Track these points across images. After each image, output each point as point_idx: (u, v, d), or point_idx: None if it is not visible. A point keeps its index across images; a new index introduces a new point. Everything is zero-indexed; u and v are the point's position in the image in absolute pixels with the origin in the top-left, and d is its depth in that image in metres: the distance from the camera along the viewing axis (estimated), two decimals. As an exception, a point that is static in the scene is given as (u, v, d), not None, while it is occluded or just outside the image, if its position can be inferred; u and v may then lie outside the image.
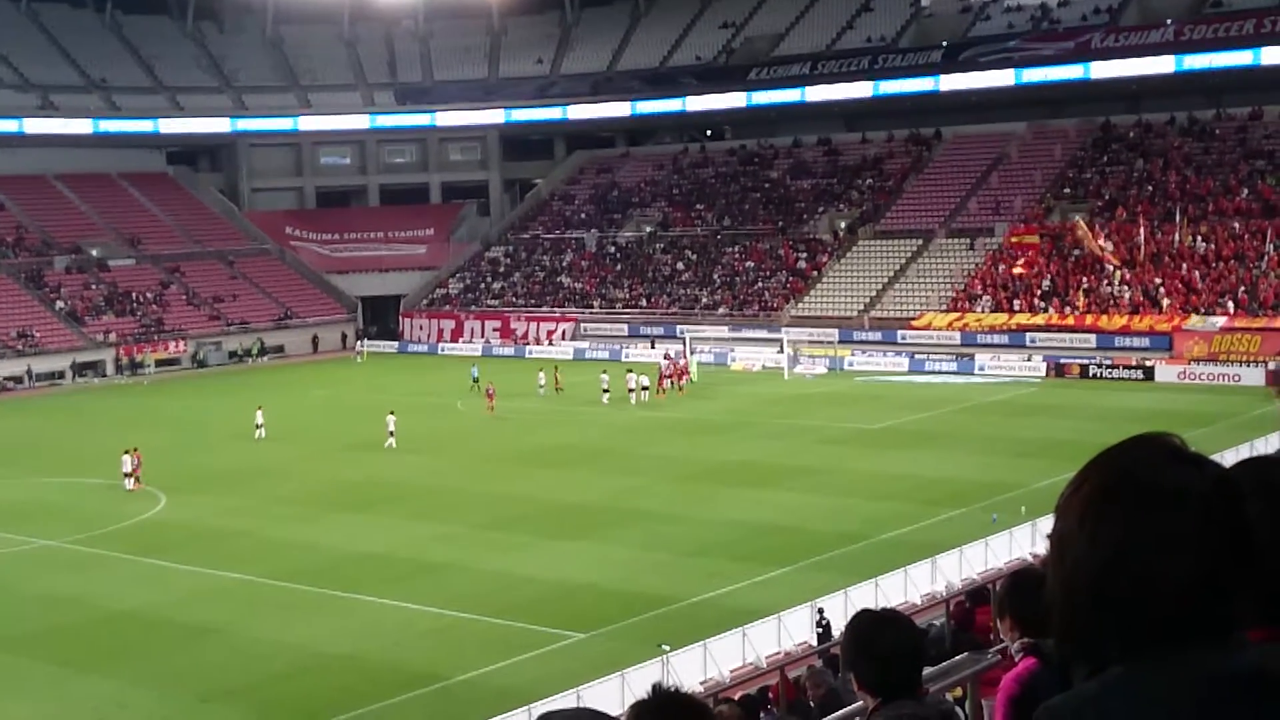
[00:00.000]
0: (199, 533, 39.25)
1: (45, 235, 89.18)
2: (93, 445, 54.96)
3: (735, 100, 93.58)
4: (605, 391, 61.57)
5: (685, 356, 69.19)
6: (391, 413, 52.99)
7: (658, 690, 3.06)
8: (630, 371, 63.08)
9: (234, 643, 29.46)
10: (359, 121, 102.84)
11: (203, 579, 34.36)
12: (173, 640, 29.67)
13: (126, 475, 45.12)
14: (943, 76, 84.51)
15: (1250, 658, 1.81)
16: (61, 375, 78.12)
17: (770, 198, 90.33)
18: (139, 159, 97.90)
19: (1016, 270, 72.13)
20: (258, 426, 55.42)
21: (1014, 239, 73.98)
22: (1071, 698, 1.86)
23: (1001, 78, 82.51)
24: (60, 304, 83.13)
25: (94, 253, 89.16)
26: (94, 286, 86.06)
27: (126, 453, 45.59)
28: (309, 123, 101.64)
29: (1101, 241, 70.31)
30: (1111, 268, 69.59)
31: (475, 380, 63.44)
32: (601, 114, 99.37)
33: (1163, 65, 77.21)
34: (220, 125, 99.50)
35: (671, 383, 63.20)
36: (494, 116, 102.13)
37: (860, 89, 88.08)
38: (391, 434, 51.84)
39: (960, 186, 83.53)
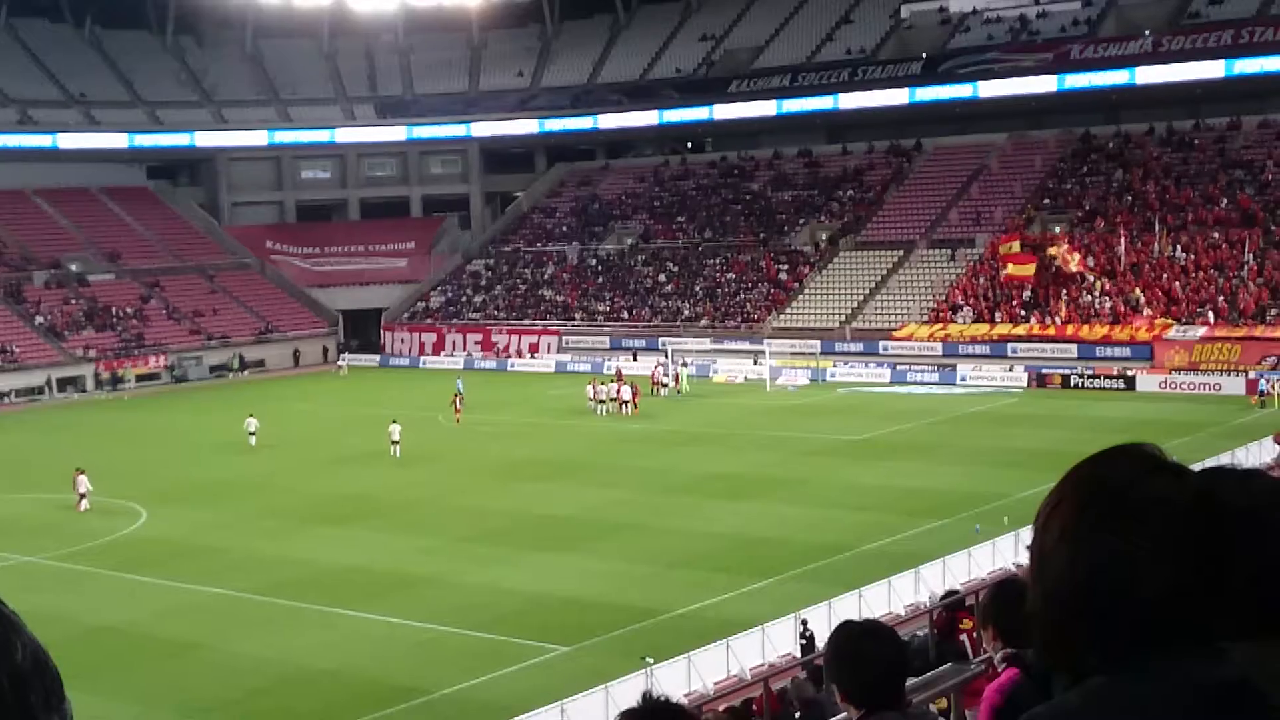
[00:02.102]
0: (179, 547, 39.09)
1: (24, 250, 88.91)
2: (73, 461, 54.57)
3: (716, 112, 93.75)
4: (600, 403, 61.55)
5: (670, 368, 69.12)
6: (395, 421, 53.22)
7: (647, 698, 3.05)
8: (610, 382, 63.26)
9: (214, 658, 29.34)
10: (339, 135, 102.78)
11: (183, 594, 34.23)
12: (153, 655, 29.55)
13: (82, 496, 44.68)
14: (931, 87, 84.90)
15: (1230, 666, 1.81)
16: (41, 391, 77.83)
17: (751, 210, 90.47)
18: (118, 173, 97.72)
19: (1011, 271, 71.83)
20: (250, 434, 55.62)
21: (1003, 249, 73.74)
22: (1053, 708, 1.85)
23: (991, 88, 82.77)
24: (39, 319, 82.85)
25: (73, 267, 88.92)
26: (73, 301, 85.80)
27: (81, 473, 45.24)
28: (289, 136, 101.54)
29: (1076, 259, 70.38)
30: (1092, 279, 69.84)
31: (459, 393, 63.39)
32: (582, 126, 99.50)
33: (1143, 76, 77.67)
34: (200, 139, 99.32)
35: (628, 404, 61.70)
36: (474, 129, 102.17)
37: (843, 100, 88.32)
38: (395, 443, 52.14)
39: (941, 198, 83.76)
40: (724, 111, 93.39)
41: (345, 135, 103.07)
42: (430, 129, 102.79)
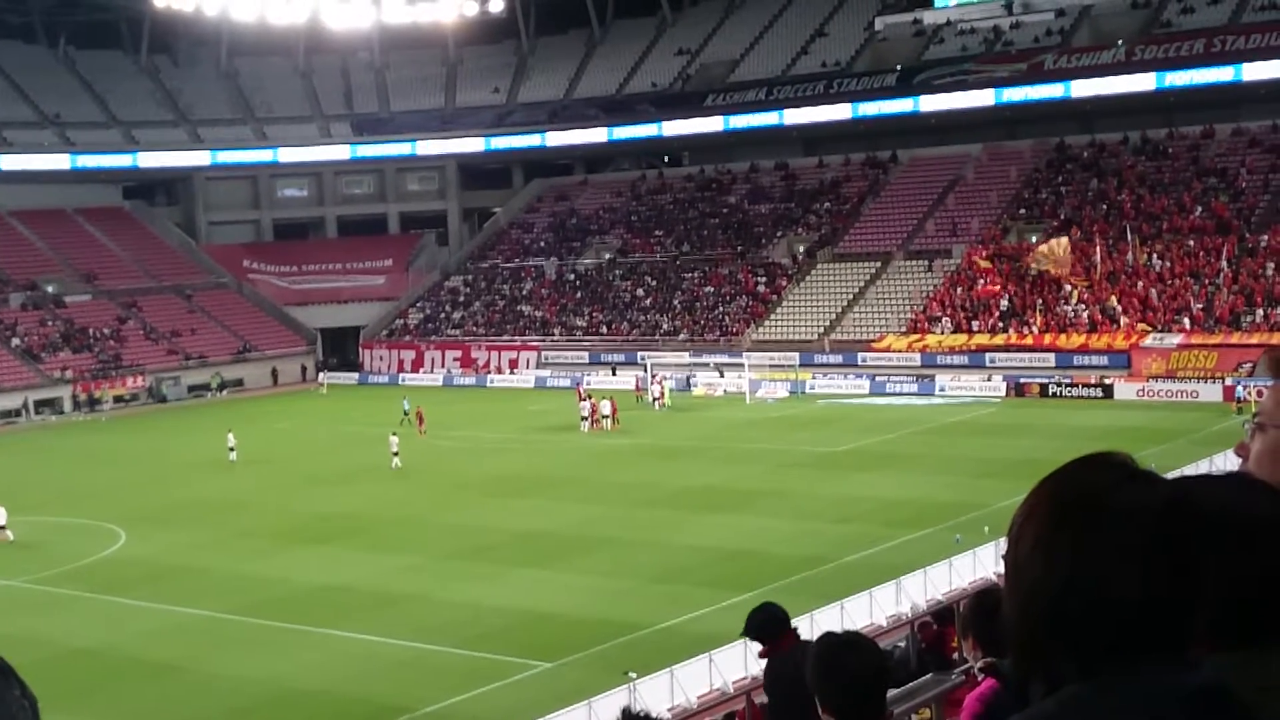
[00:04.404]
0: (160, 569, 38.92)
1: (0, 272, 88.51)
2: (51, 483, 54.59)
3: (697, 125, 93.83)
4: (584, 419, 61.30)
5: (655, 382, 69.10)
6: (394, 434, 53.66)
7: (627, 714, 3.06)
8: (588, 398, 63.08)
9: (196, 679, 29.21)
10: (316, 153, 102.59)
11: (164, 615, 34.07)
12: (135, 678, 29.41)
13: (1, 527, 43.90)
14: (906, 99, 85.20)
15: (1203, 673, 1.82)
16: (18, 413, 77.44)
17: (728, 223, 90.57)
18: (95, 194, 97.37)
19: (988, 287, 72.06)
20: (230, 450, 55.63)
21: (977, 259, 74.06)
22: (1029, 717, 1.87)
23: (966, 99, 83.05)
24: (16, 341, 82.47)
25: (50, 289, 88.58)
26: (50, 323, 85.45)
27: None
28: (265, 155, 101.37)
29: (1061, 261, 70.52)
30: (1070, 288, 69.96)
31: (406, 413, 63.13)
32: (560, 141, 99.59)
33: (1116, 85, 78.00)
34: (176, 159, 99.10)
35: (608, 418, 61.37)
36: (451, 146, 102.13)
37: (823, 112, 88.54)
38: (395, 454, 52.52)
39: (917, 209, 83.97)
40: (705, 124, 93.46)
41: (322, 153, 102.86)
42: (407, 146, 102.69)
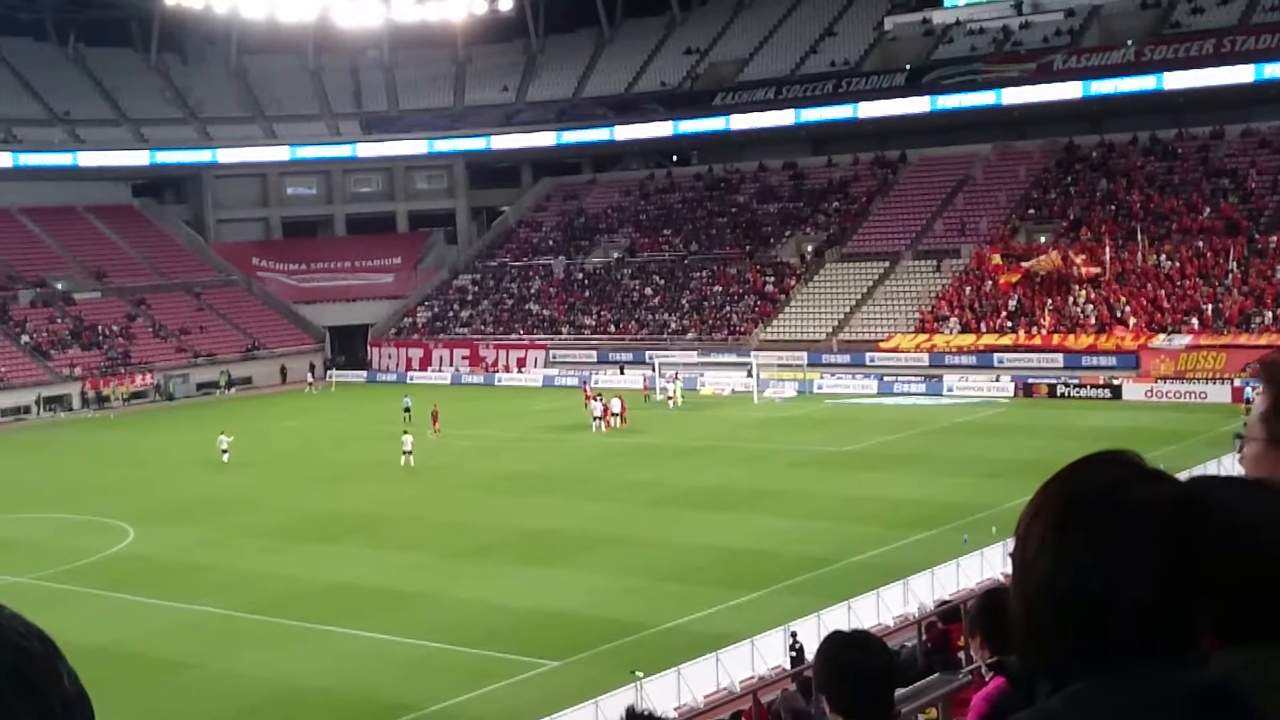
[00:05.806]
0: (168, 566, 38.98)
1: (10, 269, 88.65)
2: (60, 480, 54.63)
3: (706, 125, 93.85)
4: (596, 419, 61.19)
5: (657, 381, 69.16)
6: (406, 432, 53.83)
7: (631, 713, 3.06)
8: (598, 397, 63.02)
9: (206, 676, 29.27)
10: (325, 151, 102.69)
11: (173, 613, 34.12)
12: (144, 675, 29.44)
13: None
14: (915, 99, 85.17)
15: (1211, 671, 1.83)
16: (28, 410, 77.56)
17: (737, 222, 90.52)
18: (104, 191, 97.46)
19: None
20: (223, 451, 55.64)
21: (995, 259, 73.62)
22: (1035, 714, 1.87)
23: (975, 99, 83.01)
24: (25, 338, 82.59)
25: (59, 286, 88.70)
26: (59, 320, 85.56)
27: None
28: (274, 153, 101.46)
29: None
30: (1089, 282, 69.57)
31: (407, 411, 63.02)
32: (568, 140, 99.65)
33: (1126, 85, 77.92)
34: (185, 157, 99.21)
35: (616, 416, 61.33)
36: (460, 145, 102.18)
37: (832, 112, 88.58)
38: (408, 453, 52.42)
39: (926, 208, 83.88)
40: (715, 123, 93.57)
41: (331, 151, 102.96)
42: (416, 144, 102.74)
